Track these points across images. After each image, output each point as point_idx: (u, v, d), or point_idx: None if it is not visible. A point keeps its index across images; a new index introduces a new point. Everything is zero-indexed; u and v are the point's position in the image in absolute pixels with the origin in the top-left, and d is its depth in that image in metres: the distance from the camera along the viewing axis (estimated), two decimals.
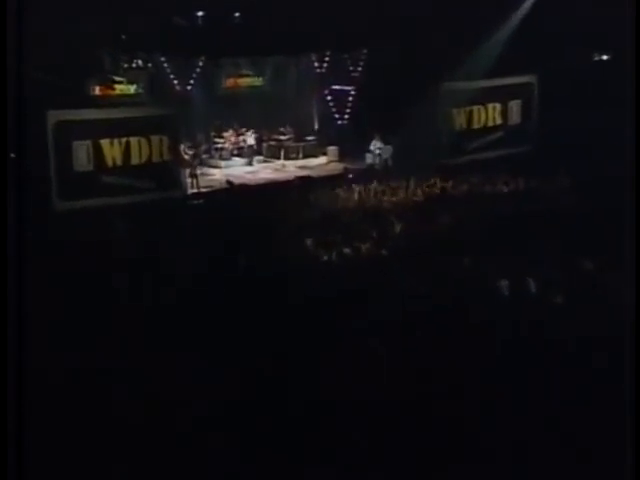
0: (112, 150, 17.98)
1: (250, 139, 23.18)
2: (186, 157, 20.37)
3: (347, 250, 12.59)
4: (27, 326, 5.73)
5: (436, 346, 7.76)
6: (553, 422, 6.35)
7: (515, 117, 22.89)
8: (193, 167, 20.58)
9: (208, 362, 7.49)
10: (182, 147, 19.92)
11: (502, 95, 22.56)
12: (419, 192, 17.92)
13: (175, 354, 7.67)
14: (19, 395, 5.41)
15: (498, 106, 22.59)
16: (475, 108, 22.22)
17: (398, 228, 14.51)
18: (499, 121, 22.69)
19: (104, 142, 17.86)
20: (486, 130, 22.43)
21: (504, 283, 9.86)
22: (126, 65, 21.60)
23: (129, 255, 12.41)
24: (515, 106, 22.84)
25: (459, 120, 22.06)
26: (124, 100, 21.06)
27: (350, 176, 20.68)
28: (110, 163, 17.98)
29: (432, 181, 18.55)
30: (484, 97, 22.27)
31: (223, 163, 22.80)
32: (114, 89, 21.42)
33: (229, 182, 20.22)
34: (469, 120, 22.21)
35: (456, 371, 7.18)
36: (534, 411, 6.52)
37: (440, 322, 8.41)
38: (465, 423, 6.40)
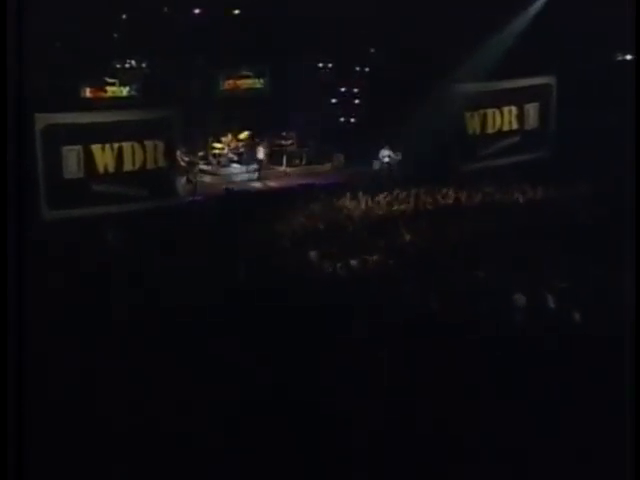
0: (104, 156, 18.09)
1: (260, 153, 23.26)
2: (182, 163, 20.45)
3: (353, 262, 12.70)
4: (13, 340, 5.89)
5: (444, 359, 7.92)
6: (554, 428, 6.62)
7: (532, 121, 22.98)
8: (191, 174, 20.77)
9: (202, 377, 7.67)
10: (178, 153, 19.96)
11: (518, 97, 22.62)
12: (429, 202, 18.06)
13: (169, 369, 7.85)
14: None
15: (514, 109, 22.66)
16: (489, 111, 22.30)
17: (407, 240, 14.63)
18: (515, 125, 22.78)
19: (95, 147, 17.99)
20: (501, 135, 22.53)
21: (520, 298, 9.99)
22: (119, 65, 21.81)
23: (122, 267, 12.51)
24: (532, 109, 22.93)
25: (472, 124, 22.15)
26: (117, 103, 21.16)
27: (356, 184, 20.72)
28: (101, 170, 18.10)
29: (443, 190, 18.69)
30: (499, 99, 22.36)
31: (222, 170, 22.97)
32: (106, 91, 21.63)
33: (228, 190, 20.39)
34: (483, 124, 22.30)
35: (464, 382, 7.42)
36: (535, 416, 6.78)
37: (451, 337, 8.53)
38: (465, 425, 6.63)
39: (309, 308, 9.77)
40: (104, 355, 8.25)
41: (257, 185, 21.79)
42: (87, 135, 17.91)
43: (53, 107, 17.96)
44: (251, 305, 9.89)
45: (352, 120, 24.68)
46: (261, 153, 23.62)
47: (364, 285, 11.18)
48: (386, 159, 22.01)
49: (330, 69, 24.51)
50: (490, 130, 22.43)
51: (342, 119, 24.85)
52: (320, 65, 24.35)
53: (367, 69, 24.24)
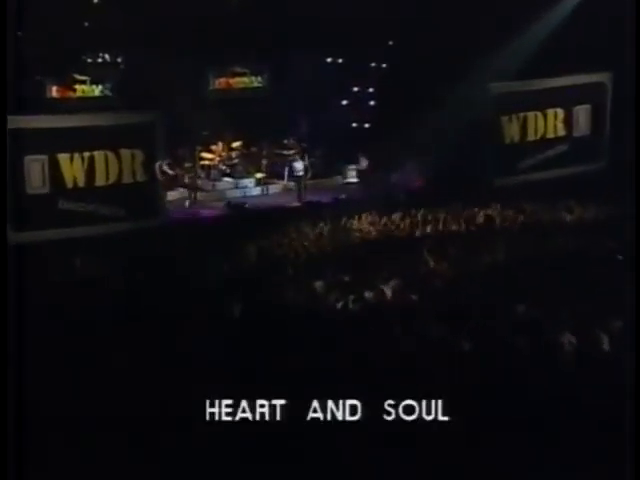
0: (72, 168, 18.30)
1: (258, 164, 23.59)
2: (164, 177, 20.51)
3: (368, 294, 12.75)
4: None
5: (479, 413, 8.06)
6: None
7: (582, 126, 23.13)
8: (187, 189, 21.05)
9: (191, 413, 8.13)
10: (159, 164, 20.14)
11: (566, 98, 22.74)
12: (458, 223, 18.21)
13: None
14: None
15: (560, 112, 22.84)
16: (531, 115, 22.45)
17: (432, 268, 14.72)
18: (561, 132, 22.94)
19: (62, 157, 18.22)
20: (544, 143, 22.70)
21: (569, 339, 10.06)
22: (90, 60, 22.05)
23: (95, 299, 12.63)
24: (582, 112, 23.09)
25: (510, 131, 22.32)
26: (87, 104, 21.42)
27: (372, 202, 20.84)
28: (70, 184, 18.29)
29: (474, 209, 18.84)
30: (542, 101, 22.52)
31: (211, 184, 23.19)
32: (75, 90, 21.86)
33: (221, 208, 20.66)
34: (523, 130, 22.45)
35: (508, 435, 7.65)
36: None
37: (487, 386, 8.62)
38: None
39: (314, 352, 9.68)
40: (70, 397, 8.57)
41: (253, 202, 21.99)
42: (53, 142, 18.11)
43: (12, 109, 18.11)
44: (248, 347, 9.95)
45: (366, 126, 24.89)
46: (260, 164, 23.84)
47: (382, 324, 11.19)
48: (406, 170, 22.15)
49: (340, 65, 24.71)
50: (531, 137, 22.57)
51: (354, 124, 25.07)
52: (328, 60, 24.56)
53: (384, 65, 24.44)
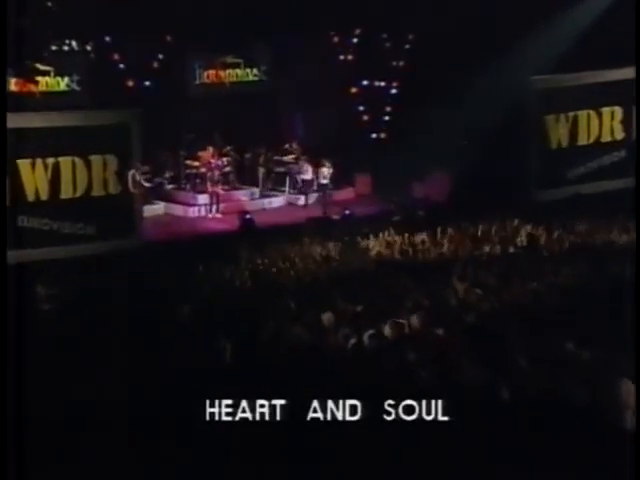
0: (34, 176, 18.48)
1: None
2: (137, 190, 20.26)
3: (386, 329, 12.66)
4: None
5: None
6: None
7: None
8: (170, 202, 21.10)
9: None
10: (133, 173, 20.15)
11: (624, 95, 22.52)
12: (493, 242, 18.13)
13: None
14: None
15: (618, 111, 22.94)
16: (582, 114, 22.57)
17: (461, 297, 14.63)
18: (619, 134, 23.04)
19: (22, 164, 18.37)
20: (598, 148, 22.74)
21: (625, 385, 9.93)
22: (55, 47, 22.01)
23: (63, 332, 12.62)
24: None
25: (557, 133, 22.39)
26: (51, 100, 21.45)
27: (387, 217, 20.92)
28: (31, 196, 18.44)
29: (513, 225, 18.80)
30: (596, 97, 22.55)
31: (200, 197, 23.16)
32: (36, 83, 21.86)
33: (207, 225, 20.69)
34: (573, 132, 22.56)
35: None
36: None
37: (531, 439, 8.56)
38: None
39: (323, 395, 9.67)
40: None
41: (247, 217, 21.97)
42: (10, 146, 18.13)
43: None
44: (242, 392, 9.89)
45: (383, 127, 25.02)
46: (256, 173, 23.87)
47: (402, 365, 11.09)
48: (428, 180, 22.11)
49: (352, 56, 24.71)
50: (583, 141, 22.68)
51: (369, 126, 25.17)
52: (338, 50, 24.58)
53: (406, 55, 24.47)
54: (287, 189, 23.70)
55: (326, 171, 23.12)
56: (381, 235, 18.76)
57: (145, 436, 8.93)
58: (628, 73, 22.20)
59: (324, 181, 23.16)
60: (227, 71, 24.26)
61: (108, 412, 9.29)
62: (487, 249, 17.89)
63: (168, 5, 21.10)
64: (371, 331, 12.40)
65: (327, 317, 13.34)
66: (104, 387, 10.17)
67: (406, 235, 18.56)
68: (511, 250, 17.96)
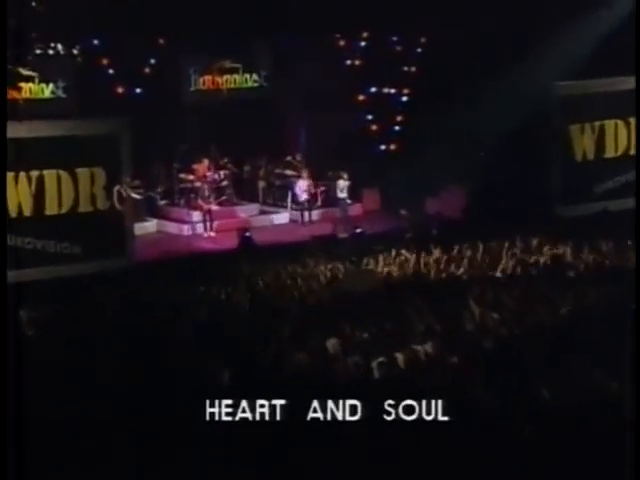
0: (17, 191, 18.39)
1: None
2: (124, 207, 20.12)
3: (399, 356, 12.59)
4: None
5: None
6: None
7: None
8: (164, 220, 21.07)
9: None
10: (120, 189, 20.08)
11: None
12: (512, 262, 18.00)
13: None
14: None
15: None
16: (609, 124, 22.54)
17: (479, 321, 14.55)
18: None
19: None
20: (627, 161, 22.51)
21: None
22: (39, 51, 21.94)
23: (45, 361, 12.52)
24: None
25: (581, 144, 22.35)
26: (35, 109, 21.28)
27: (398, 235, 20.83)
28: (13, 212, 18.27)
29: (534, 244, 18.71)
30: (624, 106, 22.18)
31: (194, 214, 23.09)
32: (19, 89, 21.79)
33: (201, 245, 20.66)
34: (599, 144, 22.51)
35: None
36: None
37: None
38: None
39: (329, 432, 9.74)
40: None
41: (246, 235, 21.89)
42: None
43: None
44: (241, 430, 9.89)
45: (394, 137, 24.94)
46: (256, 187, 23.85)
47: (414, 395, 11.01)
48: (443, 195, 22.06)
49: (359, 60, 24.67)
50: (610, 153, 22.66)
51: (378, 136, 25.09)
52: (345, 54, 24.56)
53: (418, 59, 24.44)
54: (289, 204, 23.60)
55: (342, 183, 23.06)
56: (391, 254, 18.66)
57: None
58: None
59: (341, 195, 23.07)
60: (224, 77, 24.22)
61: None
62: (507, 269, 17.81)
63: (161, 5, 21.09)
64: (381, 358, 12.37)
65: (332, 343, 13.29)
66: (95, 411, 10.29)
67: (419, 254, 18.44)
68: (533, 271, 17.88)
